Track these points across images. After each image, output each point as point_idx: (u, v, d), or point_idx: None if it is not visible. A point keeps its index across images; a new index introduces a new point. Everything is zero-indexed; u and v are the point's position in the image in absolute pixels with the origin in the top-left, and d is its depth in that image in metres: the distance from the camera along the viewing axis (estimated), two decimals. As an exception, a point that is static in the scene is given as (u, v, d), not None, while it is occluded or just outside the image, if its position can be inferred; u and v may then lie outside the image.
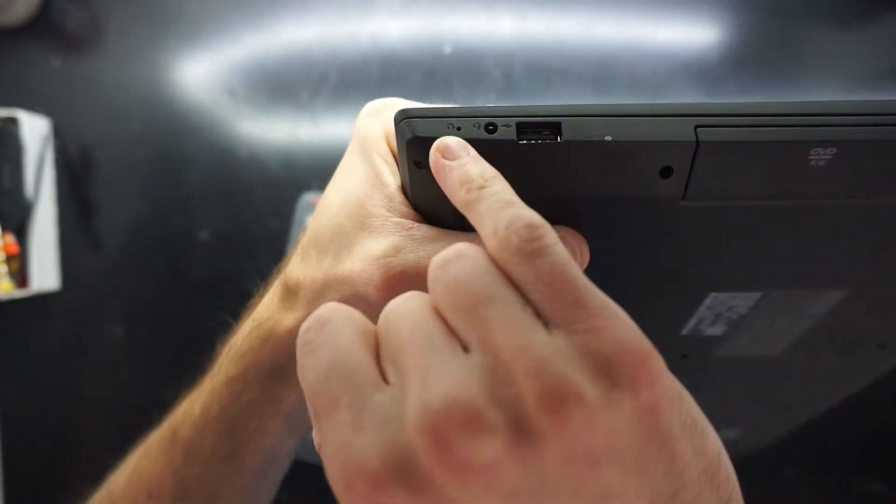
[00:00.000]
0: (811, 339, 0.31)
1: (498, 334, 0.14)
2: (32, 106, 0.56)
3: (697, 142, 0.19)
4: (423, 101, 0.23)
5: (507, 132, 0.19)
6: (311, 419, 0.16)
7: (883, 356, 0.34)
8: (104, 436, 0.59)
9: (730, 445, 0.18)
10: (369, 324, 0.17)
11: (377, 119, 0.24)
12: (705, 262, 0.25)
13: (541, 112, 0.19)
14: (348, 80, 0.58)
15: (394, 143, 0.23)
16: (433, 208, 0.22)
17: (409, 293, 0.17)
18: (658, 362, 0.15)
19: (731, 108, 0.19)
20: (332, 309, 0.17)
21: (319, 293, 0.23)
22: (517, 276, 0.15)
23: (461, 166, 0.18)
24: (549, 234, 0.15)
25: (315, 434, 0.16)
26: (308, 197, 0.57)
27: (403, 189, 0.23)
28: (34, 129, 0.55)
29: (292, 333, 0.24)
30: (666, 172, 0.20)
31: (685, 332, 0.30)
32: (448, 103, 0.22)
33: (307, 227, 0.25)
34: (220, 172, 0.58)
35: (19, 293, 0.54)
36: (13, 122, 0.54)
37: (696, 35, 0.58)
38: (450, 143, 0.19)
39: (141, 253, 0.59)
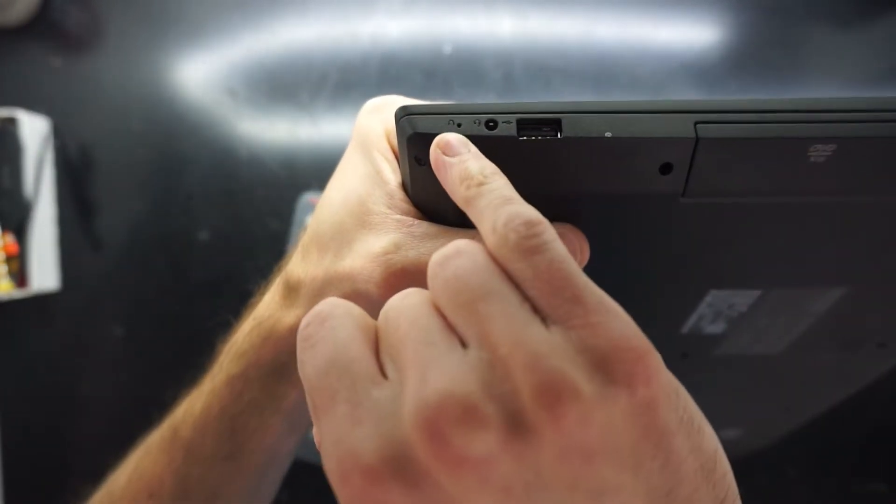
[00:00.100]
0: (811, 337, 0.31)
1: (495, 330, 0.14)
2: (32, 106, 0.56)
3: (697, 138, 0.19)
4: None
5: (507, 128, 0.19)
6: (311, 418, 0.16)
7: (883, 355, 0.34)
8: (104, 436, 0.59)
9: (730, 445, 0.18)
10: (369, 319, 0.17)
11: (377, 116, 0.24)
12: (705, 259, 0.25)
13: (541, 108, 0.19)
14: (348, 80, 0.58)
15: (394, 141, 0.23)
16: (433, 205, 0.22)
17: (409, 290, 0.17)
18: (655, 359, 0.15)
19: (730, 105, 0.19)
20: (332, 304, 0.17)
21: (320, 290, 0.23)
22: (515, 273, 0.15)
23: (461, 163, 0.18)
24: (548, 231, 0.15)
25: (315, 430, 0.16)
26: (308, 197, 0.56)
27: (404, 186, 0.23)
28: (34, 129, 0.55)
29: (293, 331, 0.24)
30: (666, 169, 0.20)
31: (685, 329, 0.30)
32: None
33: (308, 226, 0.25)
34: (220, 172, 0.58)
35: (19, 293, 0.54)
36: (13, 122, 0.54)
37: (696, 35, 0.58)
38: (450, 140, 0.19)
39: (141, 253, 0.59)
